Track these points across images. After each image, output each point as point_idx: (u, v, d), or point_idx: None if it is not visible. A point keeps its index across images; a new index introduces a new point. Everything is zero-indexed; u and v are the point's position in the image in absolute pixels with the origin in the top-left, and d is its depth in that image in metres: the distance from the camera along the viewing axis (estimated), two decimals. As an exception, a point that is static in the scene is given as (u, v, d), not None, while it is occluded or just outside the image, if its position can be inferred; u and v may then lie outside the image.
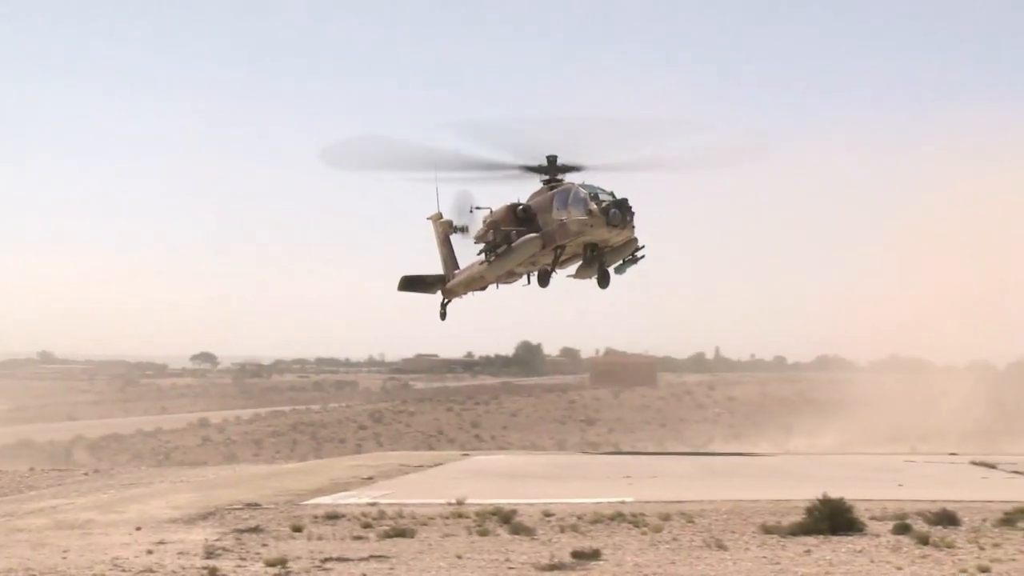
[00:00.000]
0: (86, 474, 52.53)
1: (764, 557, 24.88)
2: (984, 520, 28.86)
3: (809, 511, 28.12)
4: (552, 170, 50.99)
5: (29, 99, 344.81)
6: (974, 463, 48.57)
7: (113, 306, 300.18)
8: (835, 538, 26.82)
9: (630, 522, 29.28)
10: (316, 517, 31.07)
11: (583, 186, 49.11)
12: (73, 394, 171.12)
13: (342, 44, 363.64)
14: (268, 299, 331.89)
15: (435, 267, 56.28)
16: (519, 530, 28.32)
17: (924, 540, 26.02)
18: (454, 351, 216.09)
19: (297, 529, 29.08)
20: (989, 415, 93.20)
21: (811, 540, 26.65)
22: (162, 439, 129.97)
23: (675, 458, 57.61)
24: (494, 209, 51.95)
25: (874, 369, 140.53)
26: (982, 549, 25.20)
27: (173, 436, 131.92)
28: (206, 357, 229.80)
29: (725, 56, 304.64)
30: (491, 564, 24.40)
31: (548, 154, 51.01)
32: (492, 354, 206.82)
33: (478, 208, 52.56)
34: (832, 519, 27.73)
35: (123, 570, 23.93)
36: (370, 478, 43.42)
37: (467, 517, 30.36)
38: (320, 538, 27.97)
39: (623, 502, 32.95)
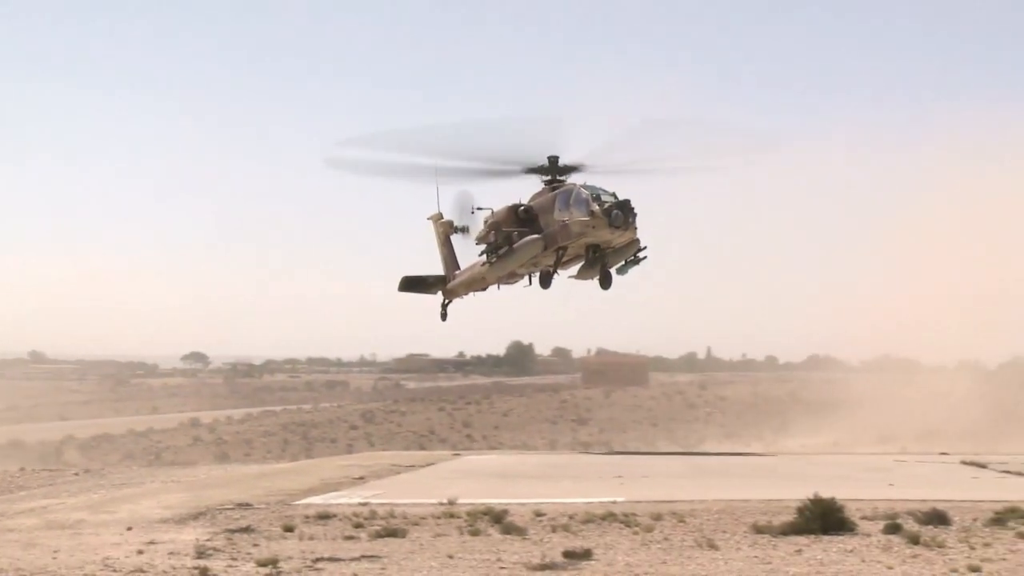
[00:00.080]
0: (77, 474, 52.46)
1: (755, 557, 24.90)
2: (975, 520, 28.90)
3: (800, 511, 28.14)
4: (553, 171, 50.94)
5: (22, 99, 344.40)
6: (965, 463, 48.64)
7: (104, 306, 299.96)
8: (826, 538, 26.84)
9: (621, 522, 29.28)
10: (307, 517, 31.05)
11: (585, 187, 49.06)
12: (64, 394, 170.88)
13: (341, 44, 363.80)
14: (260, 299, 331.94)
15: (432, 267, 56.31)
16: (510, 530, 28.31)
17: (915, 540, 26.05)
18: (446, 351, 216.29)
19: (288, 529, 29.05)
20: (980, 415, 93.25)
21: (802, 540, 26.67)
22: (153, 439, 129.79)
23: (666, 458, 57.66)
24: (495, 210, 51.89)
25: (865, 369, 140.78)
26: (972, 549, 25.24)
27: (164, 436, 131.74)
28: (197, 357, 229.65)
29: (725, 56, 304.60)
30: (482, 564, 24.40)
31: (549, 154, 50.96)
32: (484, 354, 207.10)
33: (479, 209, 52.51)
34: (823, 519, 27.75)
35: (114, 570, 23.89)
36: (361, 478, 43.40)
37: (458, 517, 30.34)
38: (311, 538, 27.95)
39: (614, 502, 32.96)
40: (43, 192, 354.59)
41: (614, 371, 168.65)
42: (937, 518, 28.55)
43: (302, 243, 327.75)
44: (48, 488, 44.58)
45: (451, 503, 32.31)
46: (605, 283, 51.09)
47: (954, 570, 23.12)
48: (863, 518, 29.04)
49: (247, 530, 29.15)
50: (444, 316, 57.61)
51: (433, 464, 50.67)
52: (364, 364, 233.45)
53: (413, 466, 49.11)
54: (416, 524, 29.39)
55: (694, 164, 51.80)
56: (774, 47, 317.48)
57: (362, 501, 34.17)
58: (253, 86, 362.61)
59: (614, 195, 48.62)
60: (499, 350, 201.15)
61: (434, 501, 33.03)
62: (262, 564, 24.30)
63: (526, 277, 53.18)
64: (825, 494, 28.45)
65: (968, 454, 54.34)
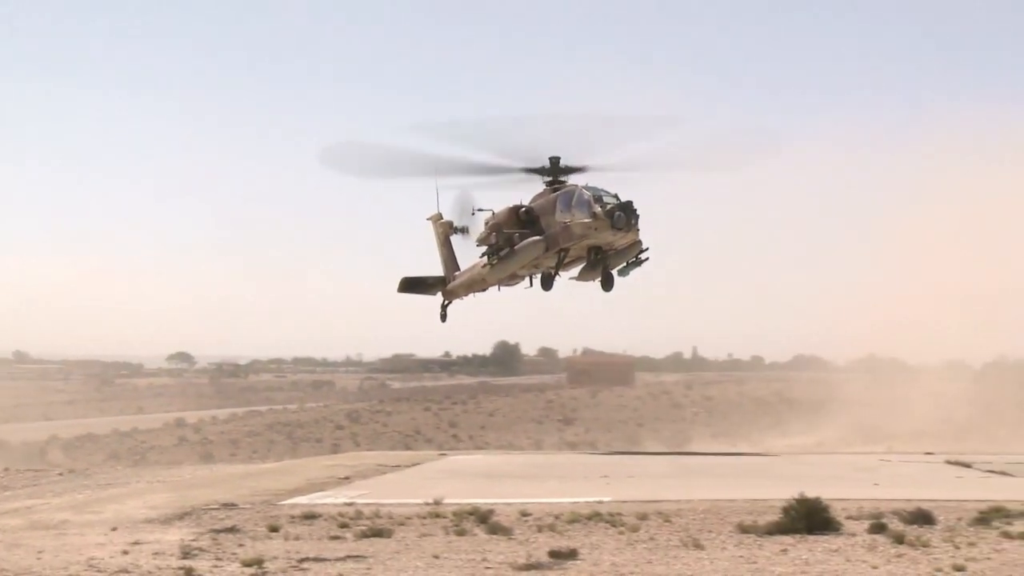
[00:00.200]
0: (61, 474, 52.29)
1: (741, 556, 24.93)
2: (959, 519, 28.96)
3: (786, 510, 28.18)
4: (555, 172, 50.82)
5: (13, 98, 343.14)
6: (949, 462, 48.76)
7: (90, 306, 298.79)
8: (811, 537, 26.87)
9: (607, 522, 29.29)
10: (293, 517, 31.00)
11: (587, 188, 48.97)
12: (48, 394, 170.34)
13: (340, 45, 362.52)
14: (245, 299, 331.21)
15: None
16: (496, 530, 28.31)
17: (900, 539, 26.10)
18: (431, 351, 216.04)
19: (274, 529, 29.01)
20: (965, 415, 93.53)
21: (787, 539, 26.71)
22: (138, 439, 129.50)
23: (652, 458, 57.69)
24: (496, 211, 51.78)
25: (851, 369, 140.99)
26: (957, 548, 25.29)
27: (149, 436, 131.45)
28: (183, 357, 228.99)
29: (723, 56, 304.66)
30: (468, 564, 24.39)
31: (551, 155, 50.84)
32: (470, 354, 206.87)
33: (480, 210, 52.41)
34: (808, 518, 27.79)
35: (98, 570, 23.84)
36: (347, 478, 43.36)
37: (444, 517, 30.32)
38: (297, 538, 27.91)
39: (600, 502, 32.97)
40: (28, 192, 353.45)
41: (600, 371, 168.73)
42: (922, 518, 28.61)
43: (289, 243, 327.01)
44: (32, 488, 44.45)
45: (437, 503, 32.29)
46: (607, 285, 51.03)
47: (939, 569, 23.17)
48: (848, 518, 29.09)
49: (232, 530, 29.10)
50: (444, 317, 57.51)
51: (419, 464, 50.64)
52: (350, 364, 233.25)
53: (399, 466, 49.07)
54: (402, 524, 29.37)
55: (694, 164, 51.79)
56: (767, 46, 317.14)
57: (348, 501, 34.14)
58: (238, 83, 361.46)
59: (616, 196, 48.53)
60: (485, 350, 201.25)
61: (420, 501, 33.01)
62: (247, 564, 24.27)
63: (527, 278, 53.13)
64: (810, 494, 28.49)
65: (953, 454, 54.47)
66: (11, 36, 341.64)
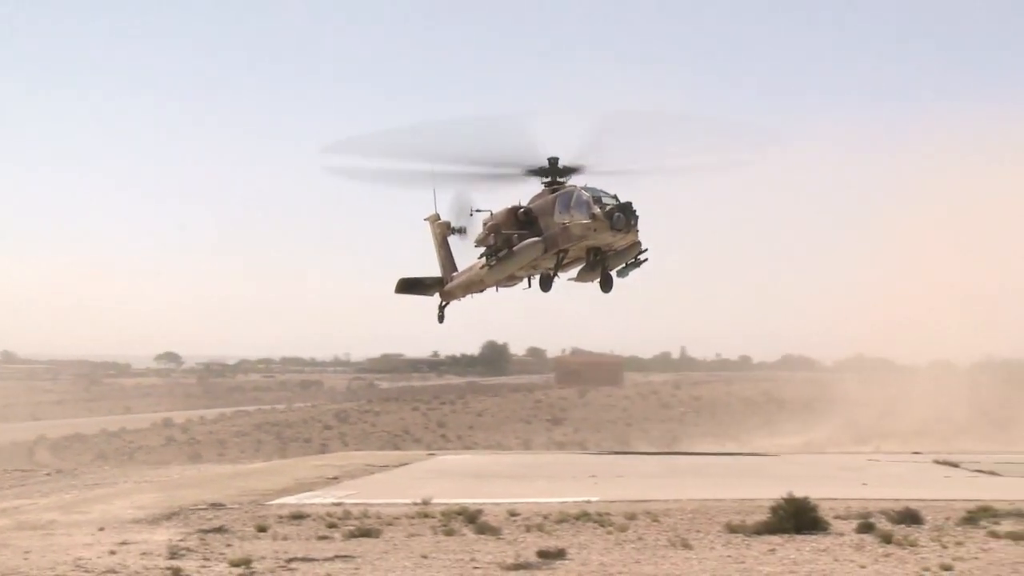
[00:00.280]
0: (49, 474, 52.19)
1: (729, 556, 24.95)
2: (947, 519, 29.01)
3: (774, 510, 28.20)
4: (553, 172, 50.67)
5: (4, 98, 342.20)
6: (937, 462, 48.82)
7: (77, 305, 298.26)
8: (799, 537, 26.90)
9: (595, 521, 29.30)
10: (281, 517, 30.97)
11: (586, 189, 48.83)
12: (36, 394, 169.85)
13: (339, 45, 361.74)
14: (233, 299, 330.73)
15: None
16: (485, 530, 28.31)
17: (887, 539, 26.14)
18: (420, 351, 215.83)
19: (262, 529, 28.98)
20: (952, 415, 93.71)
21: (775, 539, 26.74)
22: (126, 439, 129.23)
23: (641, 458, 57.70)
24: (494, 212, 51.65)
25: (839, 369, 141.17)
26: (945, 548, 25.34)
27: (137, 436, 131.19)
28: (171, 357, 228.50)
29: (718, 56, 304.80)
30: (456, 564, 24.38)
31: (549, 156, 50.70)
32: (458, 354, 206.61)
33: (478, 210, 52.29)
34: (796, 518, 27.82)
35: (86, 571, 23.81)
36: (335, 478, 43.32)
37: (433, 517, 30.31)
38: (285, 538, 27.89)
39: (588, 501, 32.98)
40: (16, 191, 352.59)
41: (588, 371, 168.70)
42: (910, 517, 28.65)
43: (278, 243, 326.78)
44: (20, 488, 44.35)
45: (425, 503, 32.28)
46: (606, 286, 50.91)
47: (926, 569, 23.21)
48: (836, 517, 29.12)
49: (220, 530, 29.07)
50: (441, 318, 57.38)
51: (407, 464, 50.60)
52: (338, 364, 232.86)
53: (387, 466, 49.03)
54: (390, 524, 29.36)
55: (694, 165, 51.69)
56: (764, 46, 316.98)
57: (336, 501, 34.12)
58: (226, 84, 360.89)
59: (615, 197, 48.42)
60: (473, 350, 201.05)
61: (408, 501, 32.99)
62: (235, 564, 24.24)
63: (525, 279, 53.02)
64: (798, 493, 28.52)
65: (941, 453, 54.57)
66: (9, 36, 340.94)
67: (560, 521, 29.42)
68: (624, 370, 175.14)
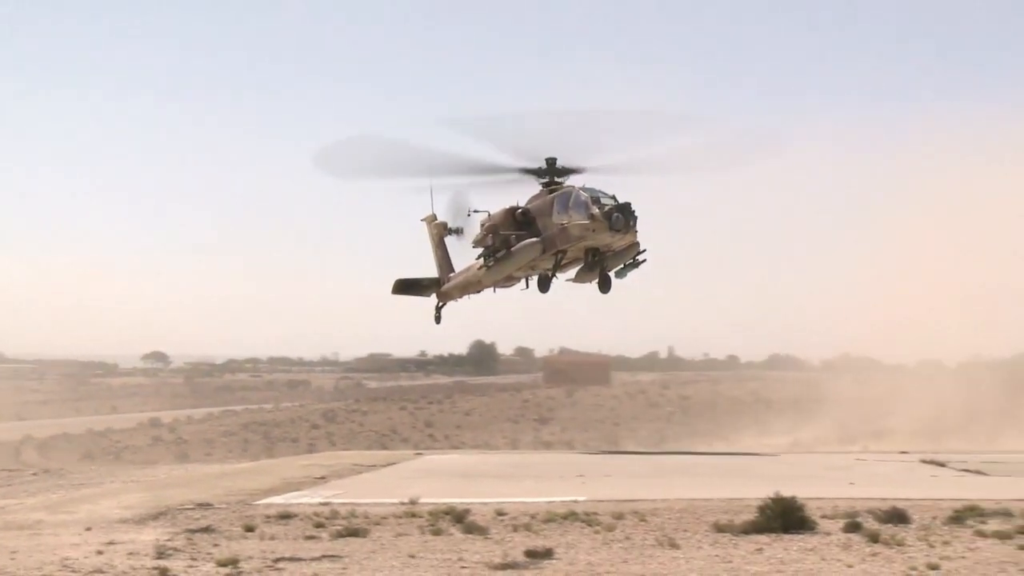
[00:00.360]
0: (35, 474, 52.07)
1: (716, 555, 24.96)
2: (934, 518, 29.05)
3: (761, 509, 28.21)
4: (551, 173, 50.58)
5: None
6: (924, 461, 48.87)
7: (64, 305, 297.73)
8: (787, 536, 26.92)
9: (583, 521, 29.29)
10: (268, 517, 30.93)
11: (584, 189, 48.79)
12: (23, 393, 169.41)
13: (338, 45, 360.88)
14: (221, 298, 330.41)
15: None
16: (472, 529, 28.29)
17: (874, 538, 26.17)
18: (407, 350, 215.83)
19: (249, 529, 28.93)
20: (939, 414, 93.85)
21: (763, 538, 26.75)
22: (113, 439, 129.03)
23: (628, 457, 57.73)
24: (492, 212, 51.59)
25: (826, 368, 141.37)
26: (932, 547, 25.37)
27: (124, 436, 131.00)
28: (158, 356, 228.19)
29: (712, 56, 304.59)
30: (444, 563, 24.37)
31: (547, 156, 50.60)
32: (446, 353, 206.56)
33: (475, 211, 52.21)
34: (784, 517, 27.82)
35: (73, 571, 23.75)
36: (323, 478, 43.27)
37: (420, 516, 30.29)
38: (272, 538, 27.85)
39: (576, 501, 32.98)
40: (1, 191, 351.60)
41: (576, 370, 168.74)
42: (897, 516, 28.67)
43: (266, 243, 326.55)
44: (6, 488, 44.24)
45: (413, 503, 32.25)
46: (604, 287, 50.82)
47: (913, 568, 23.24)
48: (824, 517, 29.14)
49: (207, 530, 29.02)
50: (438, 319, 57.31)
51: (395, 464, 50.56)
52: (326, 363, 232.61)
53: (375, 466, 48.98)
54: (378, 524, 29.33)
55: (691, 165, 51.64)
56: (759, 46, 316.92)
57: (323, 501, 34.08)
58: (215, 85, 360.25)
59: (614, 198, 48.35)
60: (461, 349, 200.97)
61: (396, 501, 32.96)
62: (222, 564, 24.20)
63: (523, 280, 52.93)
64: (786, 493, 28.54)
65: (928, 453, 54.64)
66: (7, 36, 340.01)
67: (548, 521, 29.41)
68: (612, 369, 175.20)
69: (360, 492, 37.32)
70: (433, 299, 57.19)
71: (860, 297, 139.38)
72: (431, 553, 25.43)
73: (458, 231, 53.71)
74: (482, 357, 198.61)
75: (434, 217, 56.07)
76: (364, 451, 78.52)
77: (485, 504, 32.33)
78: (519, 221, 50.42)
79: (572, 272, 51.49)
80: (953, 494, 33.37)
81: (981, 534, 26.82)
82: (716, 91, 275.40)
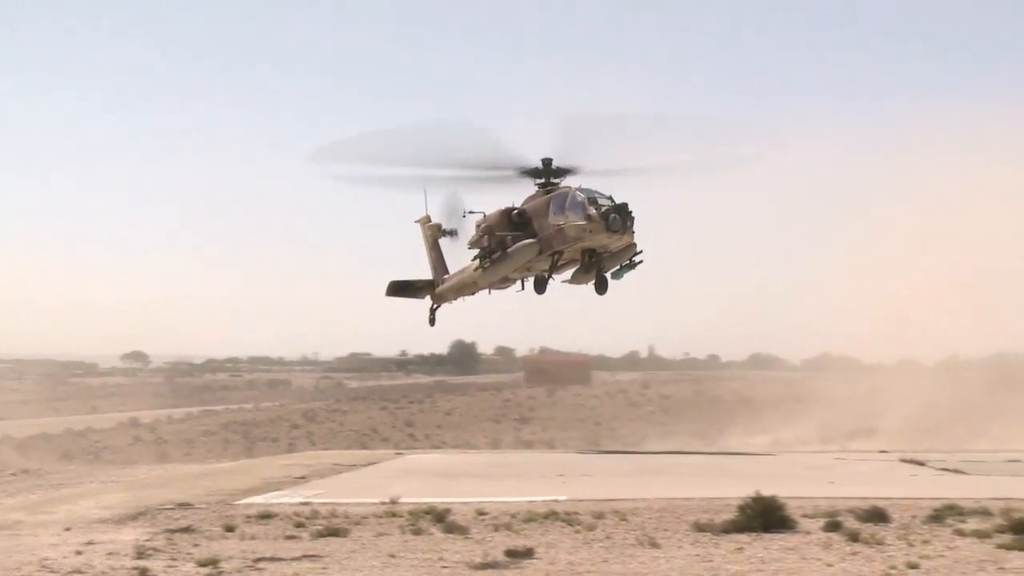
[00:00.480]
0: (14, 474, 51.91)
1: (697, 555, 24.99)
2: (913, 517, 29.14)
3: (741, 509, 28.26)
4: (547, 173, 50.43)
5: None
6: (904, 461, 49.07)
7: (42, 304, 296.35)
8: (767, 535, 26.97)
9: (564, 520, 29.31)
10: (248, 517, 30.89)
11: (581, 190, 48.64)
12: (1, 393, 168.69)
13: (329, 45, 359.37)
14: (201, 297, 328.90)
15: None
16: (453, 529, 28.30)
17: (854, 537, 26.24)
18: (388, 350, 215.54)
19: (229, 529, 28.89)
20: (918, 413, 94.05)
21: (743, 538, 26.80)
22: (92, 439, 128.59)
23: (609, 456, 57.78)
24: (487, 214, 51.39)
25: (807, 368, 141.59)
26: (911, 546, 25.45)
27: (103, 436, 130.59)
28: (137, 356, 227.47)
29: (706, 57, 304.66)
30: (424, 563, 24.35)
31: (543, 156, 50.47)
32: (426, 353, 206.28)
33: (470, 212, 52.05)
34: (764, 517, 27.89)
35: (52, 571, 23.68)
36: (303, 477, 43.25)
37: (401, 516, 30.30)
38: (252, 538, 27.81)
39: (557, 500, 33.01)
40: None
41: (557, 370, 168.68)
42: (876, 515, 28.76)
43: (244, 241, 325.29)
44: (-15, 488, 44.08)
45: (393, 502, 32.26)
46: (601, 288, 50.67)
47: (893, 567, 23.29)
48: (804, 516, 29.22)
49: (187, 530, 28.97)
50: (432, 321, 57.08)
51: (375, 463, 50.56)
52: (306, 363, 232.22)
53: (355, 465, 48.97)
54: (358, 523, 29.31)
55: (687, 165, 51.56)
56: (753, 48, 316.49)
57: (304, 500, 34.07)
58: (201, 86, 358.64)
59: (610, 198, 48.22)
60: (442, 349, 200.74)
61: (376, 500, 32.98)
62: (202, 564, 24.15)
63: (518, 282, 52.77)
64: (766, 492, 28.61)
65: (907, 452, 54.83)
66: (4, 36, 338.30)
67: (528, 520, 29.43)
68: (592, 369, 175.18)
69: (340, 492, 37.31)
70: (427, 301, 57.01)
71: (841, 297, 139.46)
72: (411, 553, 25.42)
73: (452, 233, 53.57)
74: (463, 357, 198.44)
75: (428, 219, 55.89)
76: (344, 451, 78.43)
77: (466, 504, 32.36)
78: (515, 222, 50.27)
79: (568, 273, 51.41)
80: (932, 493, 33.49)
81: (960, 533, 26.92)
82: (704, 91, 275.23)
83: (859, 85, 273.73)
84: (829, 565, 23.67)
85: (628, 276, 51.20)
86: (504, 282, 52.70)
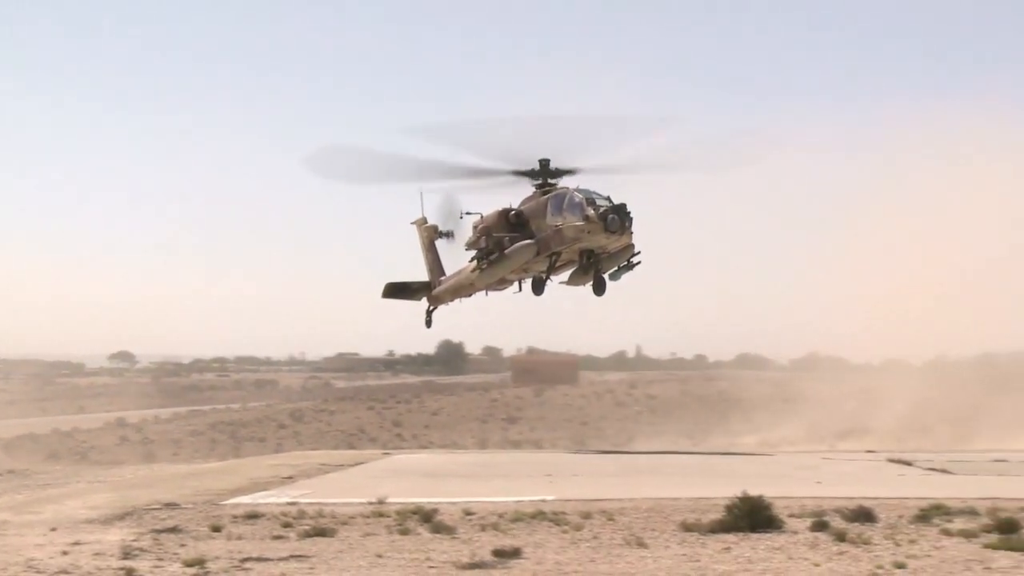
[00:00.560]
0: (0, 475, 51.78)
1: (684, 555, 25.00)
2: (900, 517, 29.19)
3: (728, 509, 28.29)
4: (544, 174, 50.31)
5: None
6: (891, 460, 49.14)
7: (29, 304, 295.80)
8: (754, 535, 27.00)
9: (551, 520, 29.32)
10: (235, 517, 30.85)
11: (578, 191, 48.53)
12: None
13: (329, 45, 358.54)
14: (187, 297, 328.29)
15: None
16: (440, 529, 28.29)
17: (841, 537, 26.27)
18: (375, 349, 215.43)
19: (216, 529, 28.85)
20: (906, 413, 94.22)
21: (730, 537, 26.82)
22: (79, 439, 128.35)
23: (596, 456, 57.79)
24: (485, 215, 51.24)
25: (794, 367, 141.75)
26: (898, 545, 25.48)
27: (90, 436, 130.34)
28: (124, 356, 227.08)
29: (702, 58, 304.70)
30: (412, 563, 24.34)
31: (540, 157, 50.35)
32: (414, 352, 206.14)
33: (468, 213, 51.92)
34: (751, 516, 27.91)
35: (38, 571, 23.63)
36: (290, 477, 43.21)
37: (388, 516, 30.28)
38: (239, 538, 27.77)
39: (544, 500, 33.00)
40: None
41: (544, 370, 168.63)
42: (863, 515, 28.80)
43: (232, 241, 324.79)
44: (-29, 489, 43.96)
45: (380, 502, 32.24)
46: (599, 289, 50.56)
47: (880, 567, 23.32)
48: (791, 515, 29.25)
49: (174, 530, 28.92)
50: (429, 323, 56.93)
51: (362, 463, 50.51)
52: (293, 363, 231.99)
53: (342, 465, 48.92)
54: (345, 523, 29.29)
55: (685, 166, 51.52)
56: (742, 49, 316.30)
57: (291, 500, 34.04)
58: (191, 87, 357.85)
59: (608, 199, 48.12)
60: (429, 349, 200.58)
61: (363, 500, 32.95)
62: (189, 564, 24.11)
63: (515, 283, 52.65)
64: (753, 492, 28.62)
65: (894, 452, 54.92)
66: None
67: (515, 520, 29.43)
68: (580, 369, 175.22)
69: (328, 492, 37.27)
70: (423, 303, 56.87)
71: (829, 297, 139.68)
72: (399, 553, 25.40)
73: (448, 234, 53.43)
74: (450, 356, 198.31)
75: (424, 220, 55.73)
76: (332, 451, 78.36)
77: (453, 504, 32.35)
78: (512, 223, 50.12)
79: (566, 275, 51.32)
80: (919, 493, 33.55)
81: (947, 533, 26.97)
82: (707, 91, 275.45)
83: (841, 86, 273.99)
84: (816, 565, 23.69)
85: (621, 276, 51.14)
86: (502, 283, 52.56)
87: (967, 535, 26.48)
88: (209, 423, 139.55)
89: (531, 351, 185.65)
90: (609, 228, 47.48)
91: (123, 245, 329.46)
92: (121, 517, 31.55)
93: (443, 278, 55.42)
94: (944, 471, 43.55)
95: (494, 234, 50.32)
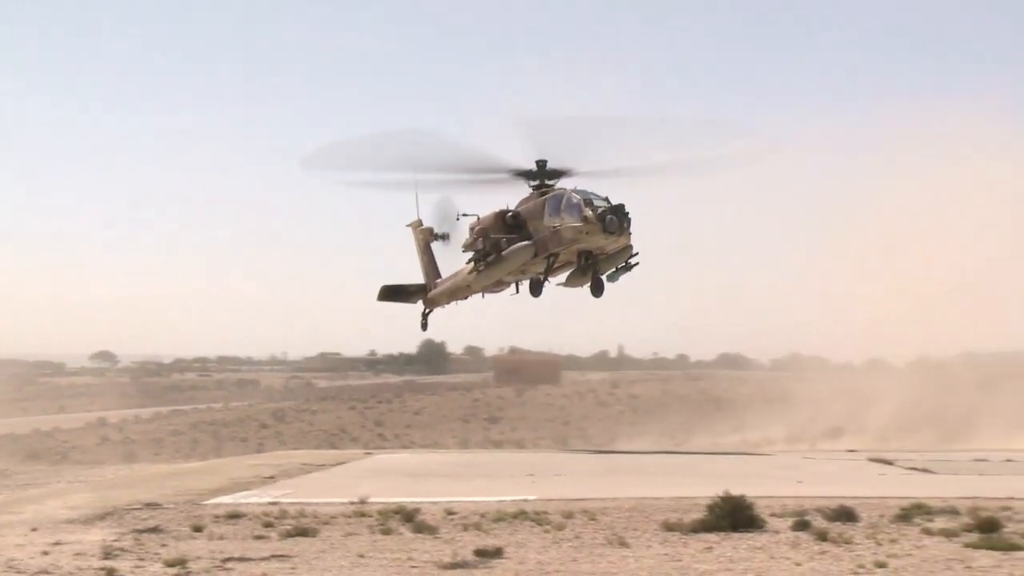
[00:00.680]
0: (-19, 475, 51.62)
1: (666, 554, 25.01)
2: (881, 516, 29.24)
3: (710, 508, 28.31)
4: (541, 175, 50.14)
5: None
6: (872, 460, 49.19)
7: (10, 304, 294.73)
8: (736, 535, 27.02)
9: (533, 520, 29.31)
10: (217, 517, 30.77)
11: (576, 191, 48.36)
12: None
13: (325, 45, 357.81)
14: (169, 297, 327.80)
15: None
16: (422, 529, 28.26)
17: (823, 536, 26.31)
18: (357, 349, 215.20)
19: (197, 529, 28.78)
20: (887, 413, 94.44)
21: (712, 537, 26.84)
22: (60, 439, 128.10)
23: (578, 456, 57.79)
24: (482, 216, 51.05)
25: (776, 367, 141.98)
26: (879, 545, 25.53)
27: (71, 436, 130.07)
28: (105, 356, 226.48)
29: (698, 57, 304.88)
30: (393, 563, 24.31)
31: (537, 158, 50.20)
32: (396, 352, 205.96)
33: (464, 215, 51.75)
34: (733, 516, 27.93)
35: (18, 571, 23.54)
36: (272, 477, 43.11)
37: (370, 516, 30.23)
38: (221, 538, 27.71)
39: (526, 500, 33.00)
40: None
41: (526, 369, 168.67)
42: (845, 515, 28.84)
43: (213, 241, 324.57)
44: (-49, 489, 43.79)
45: (362, 502, 32.19)
46: (596, 290, 50.32)
47: (861, 566, 23.36)
48: (772, 515, 29.28)
49: (155, 530, 28.84)
50: (424, 326, 56.72)
51: (344, 463, 50.42)
52: (275, 363, 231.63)
53: (324, 465, 48.84)
54: (327, 523, 29.24)
55: (683, 167, 51.44)
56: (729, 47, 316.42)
57: (272, 500, 33.97)
58: (191, 87, 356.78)
59: (606, 199, 47.95)
60: (411, 348, 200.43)
61: (345, 500, 32.89)
62: (170, 564, 24.05)
63: (512, 285, 52.48)
64: (735, 491, 28.65)
65: (875, 451, 55.02)
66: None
67: (497, 520, 29.41)
68: (562, 369, 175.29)
69: (309, 492, 37.21)
70: (418, 306, 56.71)
71: (811, 297, 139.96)
72: (380, 553, 25.37)
73: (444, 237, 53.26)
74: (432, 356, 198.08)
75: (420, 222, 55.51)
76: (313, 450, 78.24)
77: (435, 503, 32.32)
78: (510, 224, 49.90)
79: (563, 276, 51.20)
80: (900, 492, 33.60)
81: (928, 532, 27.03)
82: (707, 91, 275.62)
83: (833, 87, 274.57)
84: (798, 564, 23.73)
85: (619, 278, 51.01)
86: (498, 285, 52.35)
87: (948, 534, 26.55)
88: (190, 423, 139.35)
89: (513, 351, 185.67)
90: (607, 229, 47.33)
91: (103, 245, 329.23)
92: (102, 517, 31.45)
93: (439, 280, 55.23)
94: (925, 470, 43.63)
95: (491, 236, 50.10)
